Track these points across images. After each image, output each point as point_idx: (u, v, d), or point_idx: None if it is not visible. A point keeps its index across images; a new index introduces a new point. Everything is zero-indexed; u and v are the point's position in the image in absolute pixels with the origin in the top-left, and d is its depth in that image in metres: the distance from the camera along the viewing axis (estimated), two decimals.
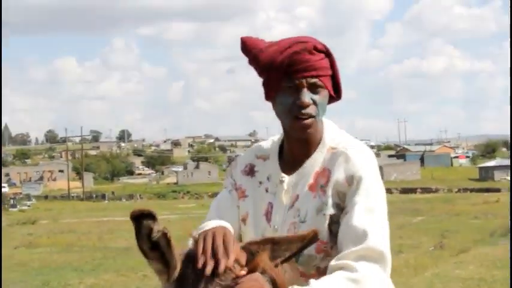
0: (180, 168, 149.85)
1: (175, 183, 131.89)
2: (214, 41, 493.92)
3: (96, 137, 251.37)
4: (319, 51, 2.71)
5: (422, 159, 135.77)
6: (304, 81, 2.66)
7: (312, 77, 2.67)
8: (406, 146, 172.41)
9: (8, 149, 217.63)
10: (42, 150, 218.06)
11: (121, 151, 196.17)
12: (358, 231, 2.53)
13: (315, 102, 2.68)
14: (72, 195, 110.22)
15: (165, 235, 2.17)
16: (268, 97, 2.78)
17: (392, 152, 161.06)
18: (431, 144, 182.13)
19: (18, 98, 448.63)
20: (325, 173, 2.70)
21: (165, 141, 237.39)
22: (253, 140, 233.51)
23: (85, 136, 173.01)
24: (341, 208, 2.64)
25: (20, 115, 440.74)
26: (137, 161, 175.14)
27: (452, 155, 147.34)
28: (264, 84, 2.77)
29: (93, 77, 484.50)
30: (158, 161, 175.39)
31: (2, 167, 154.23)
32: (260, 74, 2.78)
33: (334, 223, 2.64)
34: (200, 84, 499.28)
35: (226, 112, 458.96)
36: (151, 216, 2.15)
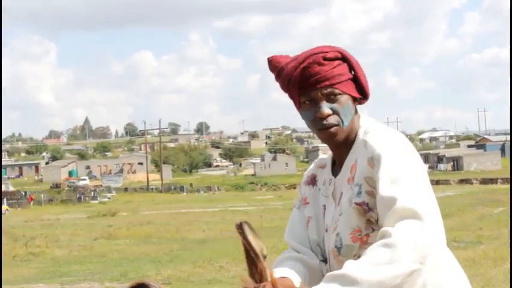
0: (258, 160, 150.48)
1: (253, 175, 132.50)
2: (290, 33, 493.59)
3: (174, 129, 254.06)
4: (331, 59, 2.73)
5: (503, 149, 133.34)
6: (319, 93, 2.72)
7: (326, 87, 2.71)
8: (486, 136, 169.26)
9: (89, 143, 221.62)
10: (121, 143, 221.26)
11: (199, 143, 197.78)
12: (386, 200, 2.51)
13: (335, 111, 2.72)
14: (151, 187, 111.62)
15: None
16: (297, 110, 2.87)
17: (472, 142, 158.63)
18: None
19: (98, 92, 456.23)
20: (355, 163, 2.74)
21: (242, 133, 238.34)
22: None
23: (163, 129, 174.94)
24: (374, 194, 2.63)
25: (100, 109, 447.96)
26: (215, 153, 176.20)
27: None
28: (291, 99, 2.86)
29: (170, 70, 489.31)
30: (236, 153, 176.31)
31: (84, 160, 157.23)
32: (283, 91, 2.86)
33: (370, 210, 2.66)
34: None
35: None
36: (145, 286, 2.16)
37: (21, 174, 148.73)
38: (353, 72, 2.78)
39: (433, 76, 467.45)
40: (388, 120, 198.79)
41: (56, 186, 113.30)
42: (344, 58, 2.76)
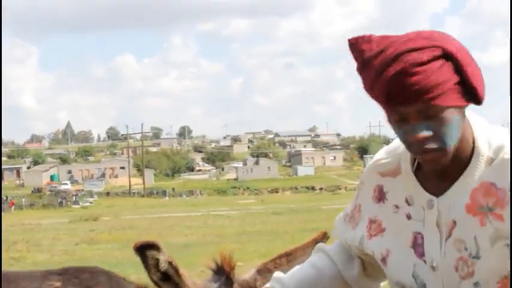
0: (240, 164, 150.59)
1: (235, 179, 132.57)
2: (273, 36, 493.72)
3: (156, 133, 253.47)
4: (429, 61, 1.99)
5: None
6: (411, 110, 2.01)
7: (423, 101, 1.99)
8: None
9: (71, 147, 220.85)
10: (104, 148, 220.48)
11: (181, 148, 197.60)
12: None
13: (435, 132, 2.03)
14: (134, 191, 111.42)
15: (170, 264, 2.15)
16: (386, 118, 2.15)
17: None
18: None
19: (80, 95, 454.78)
20: (489, 189, 2.09)
21: (224, 138, 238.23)
22: (313, 135, 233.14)
23: (146, 133, 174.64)
24: None
25: (82, 112, 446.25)
26: (197, 158, 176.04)
27: None
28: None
29: (152, 74, 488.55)
30: (218, 157, 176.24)
31: (65, 164, 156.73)
32: (364, 89, 2.13)
33: None
34: (259, 79, 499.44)
35: (286, 107, 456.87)
36: (155, 246, 2.14)
37: (2, 178, 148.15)
38: (458, 74, 2.04)
39: None
40: (370, 125, 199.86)
41: (38, 190, 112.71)
42: (447, 55, 2.02)
